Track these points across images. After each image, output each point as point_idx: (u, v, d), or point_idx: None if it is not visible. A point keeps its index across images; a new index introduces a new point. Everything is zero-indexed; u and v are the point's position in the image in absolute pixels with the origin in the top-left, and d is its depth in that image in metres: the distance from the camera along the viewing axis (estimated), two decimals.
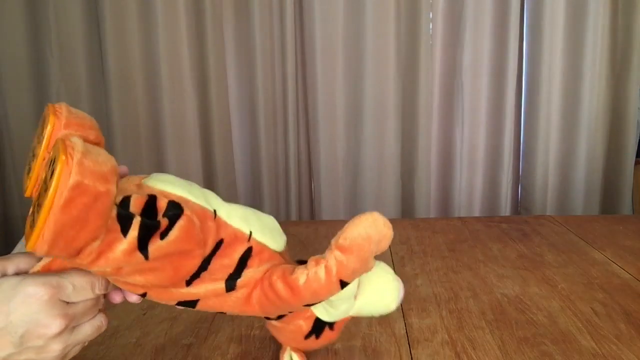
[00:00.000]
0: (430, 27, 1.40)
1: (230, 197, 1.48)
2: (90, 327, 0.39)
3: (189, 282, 0.39)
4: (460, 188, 1.49)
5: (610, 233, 0.97)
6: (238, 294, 0.41)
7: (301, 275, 0.39)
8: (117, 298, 0.41)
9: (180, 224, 0.35)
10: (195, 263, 0.38)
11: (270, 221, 0.44)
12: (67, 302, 0.36)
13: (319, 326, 0.47)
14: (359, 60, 1.40)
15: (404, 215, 1.49)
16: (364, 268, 0.40)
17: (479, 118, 1.45)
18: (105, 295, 0.41)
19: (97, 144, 0.38)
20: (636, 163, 1.46)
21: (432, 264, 0.84)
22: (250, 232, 0.41)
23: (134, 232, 0.33)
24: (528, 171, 1.48)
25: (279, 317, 0.46)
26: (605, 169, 1.48)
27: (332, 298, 0.43)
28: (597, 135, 1.45)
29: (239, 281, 0.40)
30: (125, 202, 0.35)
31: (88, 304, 0.38)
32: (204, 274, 0.39)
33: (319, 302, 0.42)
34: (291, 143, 1.44)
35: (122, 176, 0.40)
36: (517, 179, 1.52)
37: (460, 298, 0.71)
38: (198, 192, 0.40)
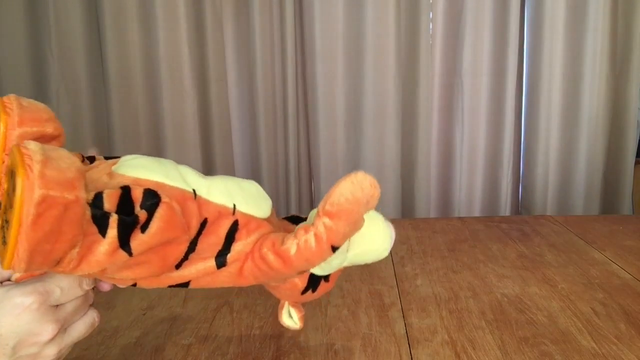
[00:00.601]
0: (430, 27, 1.40)
1: None
2: (83, 325, 0.38)
3: (178, 266, 0.38)
4: (460, 188, 1.49)
5: (610, 233, 0.97)
6: (230, 269, 0.40)
7: (292, 245, 0.38)
8: (105, 286, 0.40)
9: (160, 213, 0.34)
10: (182, 249, 0.37)
11: (254, 188, 0.43)
12: (57, 306, 0.36)
13: (314, 281, 0.46)
14: (359, 60, 1.40)
15: (404, 215, 1.49)
16: (354, 230, 0.39)
17: (479, 118, 1.45)
18: (94, 288, 0.40)
19: (57, 136, 0.36)
20: (636, 163, 1.46)
21: (432, 264, 0.84)
22: (234, 205, 0.40)
23: (112, 231, 0.32)
24: (528, 171, 1.48)
25: None
26: (605, 169, 1.48)
27: None
28: (597, 135, 1.45)
29: (229, 256, 0.39)
30: (98, 199, 0.33)
31: (78, 302, 0.37)
32: (192, 256, 0.38)
33: (312, 267, 0.42)
34: (291, 143, 1.44)
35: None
36: (517, 179, 1.52)
37: (460, 298, 0.71)
38: (174, 173, 0.38)
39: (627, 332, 0.60)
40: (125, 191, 0.34)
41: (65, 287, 0.36)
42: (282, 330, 0.63)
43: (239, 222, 0.40)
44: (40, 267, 0.31)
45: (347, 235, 0.39)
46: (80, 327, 0.38)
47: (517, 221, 1.07)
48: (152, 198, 0.34)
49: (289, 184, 1.47)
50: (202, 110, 1.42)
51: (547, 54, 1.38)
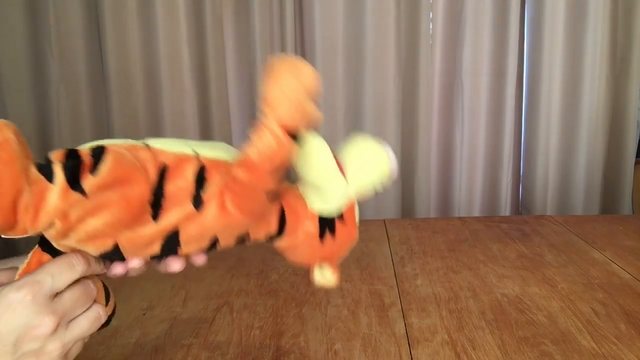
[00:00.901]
0: (430, 27, 1.40)
1: None
2: (86, 320, 0.37)
3: (155, 216, 0.37)
4: (460, 188, 1.49)
5: (610, 233, 0.97)
6: (211, 208, 0.38)
7: (251, 151, 0.37)
8: (118, 269, 0.39)
9: (107, 156, 0.34)
10: (143, 190, 0.36)
11: (221, 144, 0.42)
12: (54, 299, 0.35)
13: (326, 222, 0.45)
14: (359, 60, 1.40)
15: (404, 215, 1.49)
16: (306, 115, 0.37)
17: (479, 118, 1.45)
18: (102, 287, 0.40)
19: None
20: (636, 163, 1.46)
21: (432, 264, 0.84)
22: (196, 152, 0.39)
23: (59, 174, 0.33)
24: (528, 171, 1.48)
25: (280, 233, 0.44)
26: (605, 169, 1.48)
27: (313, 180, 0.42)
28: (597, 135, 1.45)
29: (204, 194, 0.38)
30: (45, 160, 0.34)
31: (76, 293, 0.37)
32: (164, 202, 0.37)
33: (284, 166, 0.39)
34: None
35: None
36: (517, 179, 1.52)
37: (460, 298, 0.71)
38: (128, 140, 0.38)
39: (627, 332, 0.60)
40: (72, 151, 0.35)
41: (56, 272, 0.35)
42: (282, 330, 0.63)
43: (206, 166, 0.39)
44: None
45: (299, 120, 0.37)
46: (84, 322, 0.37)
47: (517, 221, 1.07)
48: (98, 148, 0.35)
49: None
50: (202, 110, 1.42)
51: (547, 54, 1.38)
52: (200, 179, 0.38)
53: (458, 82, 1.44)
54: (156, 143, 0.39)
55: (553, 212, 1.47)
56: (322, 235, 0.44)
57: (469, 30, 1.39)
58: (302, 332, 0.62)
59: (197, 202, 0.38)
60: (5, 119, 0.35)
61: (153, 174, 0.36)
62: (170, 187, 0.37)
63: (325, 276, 0.47)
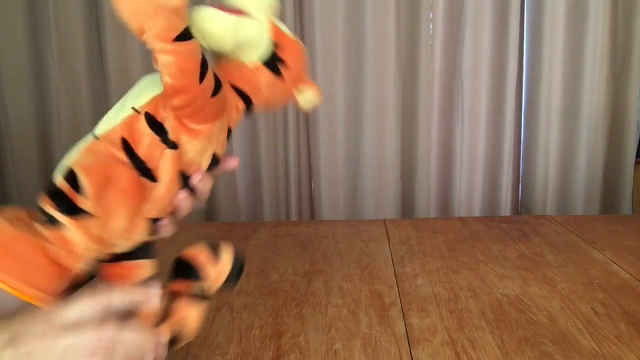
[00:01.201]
0: (430, 27, 1.40)
1: (230, 197, 1.48)
2: (88, 341, 0.33)
3: (153, 179, 0.40)
4: (460, 188, 1.49)
5: (610, 233, 0.97)
6: (183, 139, 0.41)
7: (165, 78, 0.37)
8: (166, 228, 0.43)
9: (79, 174, 0.37)
10: (125, 172, 0.38)
11: (142, 81, 0.43)
12: (71, 326, 0.34)
13: (270, 60, 0.46)
14: (359, 60, 1.40)
15: (404, 215, 1.49)
16: (169, 11, 0.36)
17: (479, 118, 1.45)
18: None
19: None
20: (636, 163, 1.46)
21: (432, 264, 0.84)
22: (134, 109, 0.40)
23: (58, 214, 0.36)
24: (528, 171, 1.48)
25: (248, 104, 0.46)
26: (605, 169, 1.48)
27: (228, 42, 0.41)
28: (597, 135, 1.45)
29: (169, 135, 0.40)
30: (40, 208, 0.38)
31: (83, 335, 0.33)
32: (149, 164, 0.39)
33: (199, 57, 0.39)
34: (291, 143, 1.44)
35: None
36: (517, 179, 1.52)
37: (460, 298, 0.71)
38: (78, 144, 0.41)
39: (627, 332, 0.60)
40: (51, 187, 0.37)
41: (71, 302, 0.35)
42: (282, 330, 0.63)
43: (150, 112, 0.40)
44: (45, 275, 0.36)
45: (168, 22, 0.36)
46: (85, 340, 0.34)
47: (517, 221, 1.07)
48: (68, 173, 0.37)
49: (288, 184, 1.47)
50: None
51: (547, 54, 1.38)
52: (156, 125, 0.40)
53: (458, 82, 1.43)
54: (101, 127, 0.40)
55: (553, 212, 1.47)
56: (276, 73, 0.46)
57: (469, 30, 1.39)
58: (302, 332, 0.62)
59: (170, 144, 0.40)
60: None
61: (120, 154, 0.39)
62: (141, 151, 0.39)
63: (306, 98, 0.49)
